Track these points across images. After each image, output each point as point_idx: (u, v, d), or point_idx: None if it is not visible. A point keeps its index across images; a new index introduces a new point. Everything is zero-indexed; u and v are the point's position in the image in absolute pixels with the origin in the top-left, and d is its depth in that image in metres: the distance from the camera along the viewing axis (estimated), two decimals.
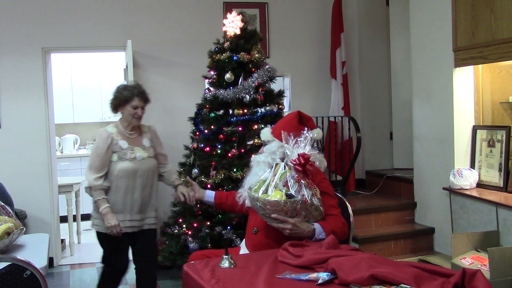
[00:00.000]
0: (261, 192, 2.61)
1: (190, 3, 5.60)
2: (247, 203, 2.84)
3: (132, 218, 3.35)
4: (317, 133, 2.90)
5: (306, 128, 2.78)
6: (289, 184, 2.58)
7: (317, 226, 2.63)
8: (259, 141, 3.96)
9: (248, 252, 2.83)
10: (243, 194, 2.92)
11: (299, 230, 2.56)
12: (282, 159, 2.79)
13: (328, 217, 2.70)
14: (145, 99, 3.37)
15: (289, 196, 2.56)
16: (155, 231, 3.58)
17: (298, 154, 2.62)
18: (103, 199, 3.29)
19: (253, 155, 3.06)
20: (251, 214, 2.90)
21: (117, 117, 7.45)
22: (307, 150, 2.65)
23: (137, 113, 3.32)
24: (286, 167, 2.64)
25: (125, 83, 3.45)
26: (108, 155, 3.30)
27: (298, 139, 2.69)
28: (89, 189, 3.32)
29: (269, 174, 2.68)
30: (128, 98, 3.30)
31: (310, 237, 2.60)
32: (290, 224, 2.54)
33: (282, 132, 2.77)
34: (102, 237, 3.43)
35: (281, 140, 2.79)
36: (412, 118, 5.06)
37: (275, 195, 2.55)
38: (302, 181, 2.58)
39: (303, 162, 2.60)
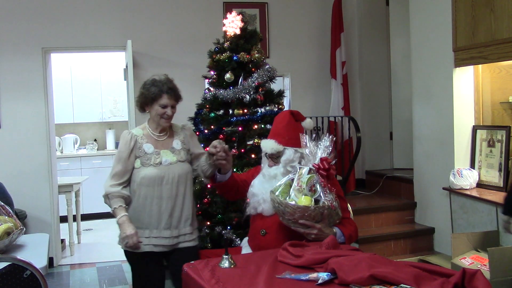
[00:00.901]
0: (288, 197, 2.59)
1: (190, 3, 5.60)
2: (258, 209, 2.81)
3: (160, 235, 2.86)
4: (308, 123, 2.91)
5: (327, 133, 2.81)
6: (314, 188, 2.58)
7: (337, 230, 2.67)
8: (259, 141, 3.95)
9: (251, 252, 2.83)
10: (254, 198, 2.86)
11: (324, 235, 2.58)
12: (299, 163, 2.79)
13: (343, 220, 2.74)
14: (176, 96, 2.91)
15: (315, 201, 2.57)
16: (195, 250, 3.00)
17: (321, 159, 2.62)
18: (121, 208, 2.82)
19: (263, 169, 2.92)
20: (256, 214, 2.88)
21: (117, 117, 7.40)
22: (326, 153, 2.66)
23: (166, 113, 2.87)
24: (312, 171, 2.62)
25: (155, 77, 2.95)
26: (130, 160, 2.86)
27: (319, 143, 2.69)
28: (106, 198, 2.86)
29: (290, 178, 2.66)
30: (156, 96, 2.86)
31: None
32: (316, 229, 2.56)
33: (301, 135, 2.76)
34: (130, 257, 2.94)
35: (293, 146, 2.80)
36: (412, 118, 5.06)
37: (304, 201, 2.54)
38: (327, 185, 2.61)
39: (327, 166, 2.61)
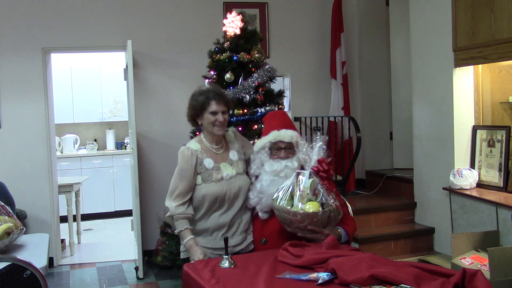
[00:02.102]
0: (296, 205, 2.55)
1: (190, 3, 5.60)
2: (262, 215, 2.77)
3: (214, 246, 2.79)
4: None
5: (318, 133, 2.79)
6: (316, 192, 2.56)
7: (341, 230, 2.67)
8: None
9: None
10: (260, 202, 2.77)
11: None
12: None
13: (343, 218, 2.73)
14: (225, 101, 2.80)
15: (321, 205, 2.57)
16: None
17: (318, 160, 2.61)
18: (187, 230, 2.72)
19: (271, 168, 2.78)
20: (256, 222, 2.85)
21: (117, 117, 7.40)
22: (321, 153, 2.64)
23: (218, 120, 2.76)
24: (312, 175, 2.59)
25: (201, 87, 2.92)
26: (194, 178, 2.77)
27: (313, 144, 2.68)
28: (171, 218, 2.76)
29: (290, 184, 2.62)
30: (204, 104, 2.77)
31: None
32: (324, 235, 2.53)
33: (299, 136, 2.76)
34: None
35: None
36: (412, 118, 5.06)
37: (311, 207, 2.51)
38: (329, 187, 2.61)
39: (326, 167, 2.59)
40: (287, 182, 2.63)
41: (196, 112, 2.82)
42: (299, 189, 2.56)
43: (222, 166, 2.80)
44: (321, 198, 2.57)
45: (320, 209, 2.52)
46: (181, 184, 2.75)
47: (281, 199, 2.57)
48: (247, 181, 2.86)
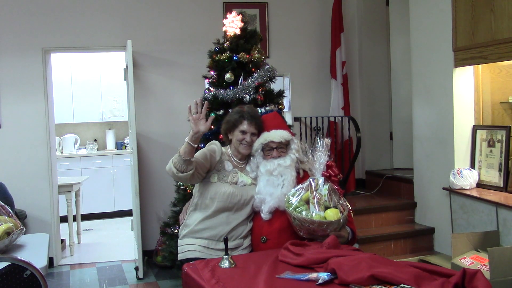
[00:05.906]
0: (317, 213, 2.55)
1: (190, 3, 5.60)
2: (266, 215, 2.77)
3: (216, 247, 2.83)
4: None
5: (317, 136, 2.82)
6: (330, 197, 2.58)
7: (348, 228, 2.70)
8: None
9: None
10: (265, 204, 2.77)
11: (344, 239, 2.62)
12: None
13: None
14: (256, 124, 2.89)
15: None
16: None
17: (327, 165, 2.63)
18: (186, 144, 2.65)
19: (265, 167, 2.82)
20: (256, 220, 2.86)
21: (117, 117, 7.43)
22: (327, 157, 2.66)
23: (245, 139, 2.86)
24: (326, 181, 2.61)
25: (242, 107, 3.00)
26: (206, 161, 2.80)
27: (316, 147, 2.69)
28: (170, 164, 2.68)
29: (299, 191, 2.63)
30: (237, 121, 2.89)
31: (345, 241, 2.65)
32: (341, 237, 2.59)
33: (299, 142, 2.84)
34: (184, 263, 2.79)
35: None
36: (412, 118, 5.06)
37: (332, 214, 2.53)
38: (339, 189, 2.64)
39: (337, 172, 2.61)
40: (298, 187, 2.66)
41: (228, 127, 2.94)
42: (315, 196, 2.57)
43: (239, 173, 2.90)
44: (335, 202, 2.59)
45: (341, 215, 2.55)
46: (198, 153, 2.77)
47: (298, 207, 2.58)
48: None
